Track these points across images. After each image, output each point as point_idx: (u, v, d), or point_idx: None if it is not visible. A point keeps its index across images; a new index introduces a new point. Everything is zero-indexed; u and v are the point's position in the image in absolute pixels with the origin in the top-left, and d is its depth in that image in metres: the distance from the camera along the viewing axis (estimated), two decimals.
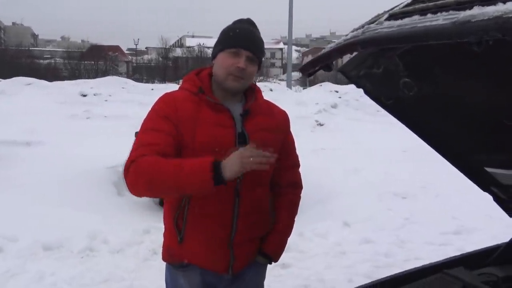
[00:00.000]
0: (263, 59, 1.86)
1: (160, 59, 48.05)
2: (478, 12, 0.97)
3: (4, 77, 13.87)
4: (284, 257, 2.08)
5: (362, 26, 1.36)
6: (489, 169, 2.01)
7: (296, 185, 2.01)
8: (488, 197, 2.26)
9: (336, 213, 5.32)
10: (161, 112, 1.71)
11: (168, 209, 1.84)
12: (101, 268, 3.87)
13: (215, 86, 1.80)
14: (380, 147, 8.46)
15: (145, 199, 5.05)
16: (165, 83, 24.89)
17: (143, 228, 4.58)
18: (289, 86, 19.06)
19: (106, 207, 5.06)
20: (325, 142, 9.25)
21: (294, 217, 2.00)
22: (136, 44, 59.65)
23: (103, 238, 4.38)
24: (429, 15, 1.11)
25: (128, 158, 1.64)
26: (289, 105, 9.64)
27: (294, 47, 43.37)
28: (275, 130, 1.86)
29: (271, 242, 1.92)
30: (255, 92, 1.86)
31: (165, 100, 1.75)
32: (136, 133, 1.78)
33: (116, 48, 52.34)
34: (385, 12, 1.36)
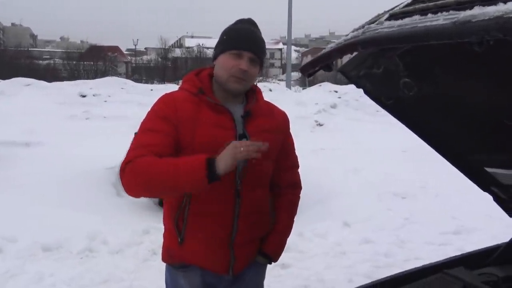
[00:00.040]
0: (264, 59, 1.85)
1: (159, 59, 48.03)
2: (478, 12, 0.96)
3: (3, 78, 13.86)
4: (284, 257, 2.08)
5: (363, 26, 1.36)
6: (489, 169, 2.01)
7: (295, 186, 2.02)
8: (487, 197, 2.26)
9: (336, 213, 5.32)
10: (160, 112, 1.71)
11: (167, 209, 1.83)
12: (100, 269, 3.87)
13: (216, 87, 1.79)
14: (380, 147, 8.45)
15: (144, 200, 5.05)
16: (164, 83, 24.89)
17: (142, 228, 4.58)
18: (288, 86, 19.08)
19: (105, 208, 5.06)
20: (325, 142, 9.25)
21: (294, 217, 2.01)
22: (135, 45, 59.63)
23: (102, 238, 4.38)
24: (429, 15, 1.10)
25: (125, 158, 1.64)
26: (289, 105, 9.65)
27: (293, 47, 43.41)
28: (275, 131, 1.86)
29: (271, 242, 1.92)
30: (256, 93, 1.85)
31: (164, 100, 1.75)
32: (136, 133, 1.77)
33: (115, 49, 52.29)
34: (385, 12, 1.36)
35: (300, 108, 11.91)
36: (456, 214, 5.30)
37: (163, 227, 1.90)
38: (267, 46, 1.88)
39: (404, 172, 6.86)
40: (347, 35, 1.42)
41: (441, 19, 1.06)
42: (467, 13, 0.99)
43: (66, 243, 4.25)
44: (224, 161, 1.51)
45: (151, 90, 13.97)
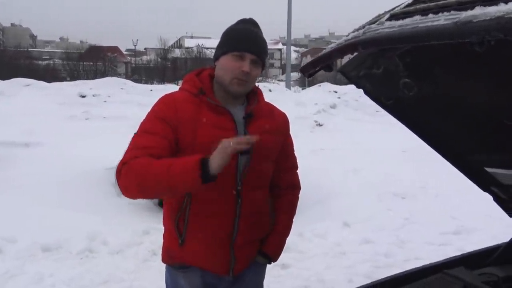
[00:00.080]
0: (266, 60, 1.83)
1: (159, 60, 47.99)
2: (479, 12, 0.96)
3: (3, 78, 13.82)
4: (284, 257, 2.09)
5: (363, 27, 1.36)
6: (489, 169, 2.01)
7: (295, 187, 2.03)
8: (487, 197, 2.26)
9: (335, 213, 5.32)
10: (160, 113, 1.70)
11: (168, 210, 1.83)
12: (100, 269, 3.87)
13: (217, 88, 1.78)
14: (380, 147, 8.45)
15: (144, 200, 5.04)
16: (164, 84, 24.87)
17: (142, 229, 4.57)
18: (288, 86, 19.07)
19: (105, 208, 5.05)
20: (324, 143, 9.24)
21: (293, 218, 2.02)
22: (135, 45, 59.59)
23: (102, 239, 4.38)
24: (430, 15, 1.10)
25: (121, 160, 1.64)
26: (288, 106, 9.65)
27: (293, 48, 43.38)
28: (276, 132, 1.86)
29: (271, 242, 1.93)
30: (257, 94, 1.85)
31: (165, 101, 1.74)
32: (134, 134, 1.77)
33: (115, 49, 52.30)
34: (386, 13, 1.36)
35: (300, 108, 11.90)
36: (456, 214, 5.30)
37: (163, 227, 1.90)
38: None
39: (404, 172, 6.86)
40: (347, 35, 1.42)
41: (442, 19, 1.05)
42: (468, 13, 0.99)
43: (66, 244, 4.25)
44: (216, 159, 1.49)
45: (151, 90, 13.96)
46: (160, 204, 4.74)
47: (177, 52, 51.33)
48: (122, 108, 11.30)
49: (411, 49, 1.46)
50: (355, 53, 1.64)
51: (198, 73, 1.84)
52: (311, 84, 23.72)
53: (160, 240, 1.95)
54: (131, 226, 4.62)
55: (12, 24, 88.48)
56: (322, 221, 5.04)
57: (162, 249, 1.90)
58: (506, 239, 2.29)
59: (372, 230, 4.89)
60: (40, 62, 45.21)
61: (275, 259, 1.96)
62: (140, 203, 5.11)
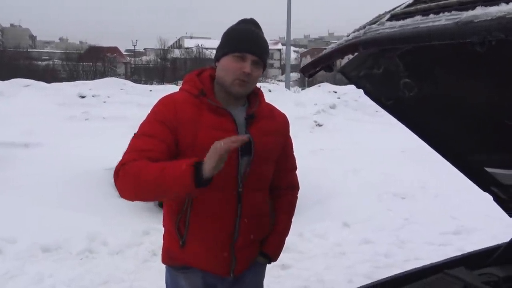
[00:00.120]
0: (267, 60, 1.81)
1: (159, 60, 47.94)
2: (481, 12, 0.96)
3: (3, 79, 13.79)
4: (284, 257, 2.09)
5: (364, 27, 1.35)
6: (489, 169, 2.01)
7: (294, 187, 2.04)
8: (487, 197, 2.26)
9: (335, 213, 5.32)
10: (159, 115, 1.69)
11: (168, 212, 1.83)
12: (100, 270, 3.87)
13: (218, 89, 1.77)
14: (379, 148, 8.45)
15: None
16: (163, 84, 24.84)
17: (142, 229, 4.57)
18: (287, 86, 19.07)
19: (105, 209, 5.05)
20: (324, 143, 9.24)
21: (292, 217, 2.03)
22: (134, 45, 59.64)
23: (102, 239, 4.38)
24: (431, 16, 1.10)
25: (119, 162, 1.63)
26: (288, 106, 9.65)
27: (292, 48, 43.41)
28: (276, 133, 1.86)
29: (271, 243, 1.94)
30: (258, 96, 1.84)
31: (164, 102, 1.73)
32: (133, 136, 1.77)
33: (114, 50, 52.28)
34: (386, 13, 1.36)
35: (299, 108, 11.89)
36: (456, 214, 5.31)
37: (163, 228, 1.90)
38: None
39: (404, 173, 6.86)
40: (348, 36, 1.41)
41: (443, 19, 1.05)
42: (469, 13, 0.99)
43: (65, 244, 4.25)
44: (208, 163, 1.45)
45: (150, 91, 13.94)
46: (160, 205, 4.74)
47: (176, 53, 51.29)
48: (122, 109, 11.29)
49: (411, 49, 1.46)
50: (356, 53, 1.64)
51: (199, 73, 1.83)
52: (310, 84, 23.72)
53: (160, 241, 1.95)
54: (131, 226, 4.62)
55: (12, 25, 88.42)
56: (322, 221, 5.04)
57: (162, 250, 1.90)
58: (506, 239, 2.29)
59: (372, 230, 4.90)
60: (39, 62, 45.14)
61: (275, 259, 1.97)
62: (139, 203, 5.10)
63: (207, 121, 1.69)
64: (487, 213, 4.79)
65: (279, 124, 1.90)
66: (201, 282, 1.82)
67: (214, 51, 1.88)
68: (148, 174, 1.53)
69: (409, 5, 1.29)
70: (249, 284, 1.93)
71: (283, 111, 1.98)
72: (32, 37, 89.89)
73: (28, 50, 55.62)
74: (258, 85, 1.89)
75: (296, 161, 2.05)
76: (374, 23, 1.33)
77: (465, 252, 2.39)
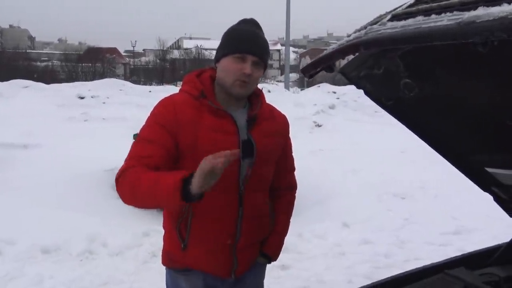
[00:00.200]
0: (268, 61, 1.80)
1: (158, 61, 47.92)
2: (483, 12, 0.96)
3: (1, 80, 13.76)
4: (283, 258, 2.09)
5: (365, 27, 1.35)
6: (489, 169, 2.01)
7: (292, 187, 2.04)
8: (487, 197, 2.26)
9: (335, 214, 5.32)
10: (159, 117, 1.68)
11: (168, 214, 1.83)
12: (100, 271, 3.86)
13: (218, 90, 1.76)
14: (379, 148, 8.45)
15: None
16: (162, 85, 24.82)
17: (142, 230, 4.56)
18: (287, 87, 19.08)
19: (104, 210, 5.04)
20: (323, 143, 9.24)
21: (291, 217, 2.04)
22: (133, 46, 59.57)
23: (102, 240, 4.37)
24: (433, 16, 1.10)
25: (121, 167, 1.64)
26: (287, 106, 9.65)
27: (291, 48, 43.42)
28: (277, 134, 1.86)
29: (271, 243, 1.94)
30: (260, 97, 1.83)
31: (164, 104, 1.72)
32: (135, 135, 1.77)
33: (114, 50, 52.21)
34: (387, 13, 1.35)
35: (299, 109, 11.90)
36: (456, 215, 5.31)
37: (163, 229, 1.90)
38: None
39: (403, 173, 6.87)
40: (349, 36, 1.41)
41: (445, 19, 1.05)
42: (471, 13, 0.99)
43: (65, 245, 4.24)
44: (195, 179, 1.39)
45: (150, 91, 13.94)
46: None
47: (175, 53, 51.28)
48: (121, 109, 11.28)
49: (412, 50, 1.46)
50: (357, 54, 1.63)
51: (199, 74, 1.82)
52: (310, 85, 23.72)
53: (160, 242, 1.94)
54: (131, 227, 4.62)
55: (11, 26, 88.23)
56: (321, 221, 5.04)
57: (162, 252, 1.89)
58: (507, 239, 2.29)
59: (371, 231, 4.89)
60: (38, 63, 45.12)
61: (274, 259, 1.98)
62: None
63: (207, 123, 1.68)
64: (487, 213, 4.79)
65: (279, 125, 1.89)
66: (202, 284, 1.81)
67: (213, 52, 1.87)
68: (142, 185, 1.53)
69: (410, 6, 1.29)
70: (250, 285, 1.93)
71: (282, 112, 1.98)
72: (31, 38, 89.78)
73: (27, 51, 55.49)
74: (259, 86, 1.88)
75: (296, 162, 2.06)
76: (375, 23, 1.33)
77: (465, 252, 2.39)
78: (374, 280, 2.12)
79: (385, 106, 1.96)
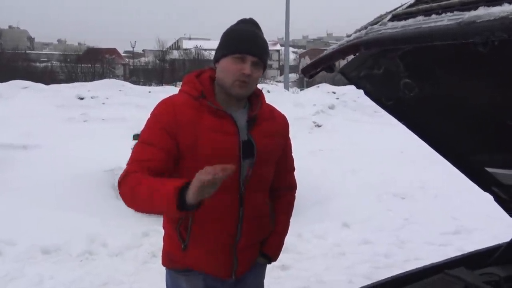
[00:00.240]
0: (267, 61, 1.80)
1: (157, 61, 47.91)
2: (483, 12, 0.96)
3: (1, 81, 13.75)
4: (283, 258, 2.09)
5: (365, 27, 1.35)
6: (490, 169, 2.01)
7: (292, 187, 2.05)
8: (487, 197, 2.25)
9: (334, 214, 5.32)
10: (159, 119, 1.68)
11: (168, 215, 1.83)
12: (100, 272, 3.86)
13: (218, 90, 1.75)
14: (378, 148, 8.46)
15: None
16: (162, 85, 24.81)
17: (142, 231, 4.56)
18: (286, 87, 19.08)
19: (104, 210, 5.04)
20: (323, 143, 9.25)
21: (291, 217, 2.04)
22: (133, 47, 59.48)
23: (102, 241, 4.37)
24: (433, 16, 1.10)
25: (123, 172, 1.64)
26: (287, 107, 9.64)
27: (291, 49, 43.40)
28: (277, 134, 1.86)
29: (271, 243, 1.94)
30: (260, 97, 1.83)
31: (164, 105, 1.72)
32: (134, 136, 1.77)
33: (113, 51, 52.20)
34: (387, 13, 1.35)
35: (298, 109, 11.90)
36: (456, 214, 5.31)
37: (162, 230, 1.89)
38: None
39: (403, 173, 6.87)
40: (349, 36, 1.41)
41: (445, 19, 1.05)
42: (472, 13, 0.99)
43: (65, 246, 4.24)
44: (191, 190, 1.39)
45: (149, 92, 13.94)
46: None
47: (175, 54, 51.26)
48: (121, 110, 11.28)
49: (412, 50, 1.46)
50: (357, 54, 1.63)
51: (198, 74, 1.81)
52: (309, 85, 23.72)
53: (159, 242, 1.94)
54: (131, 228, 4.61)
55: (10, 27, 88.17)
56: (321, 222, 5.04)
57: (162, 253, 1.89)
58: (507, 239, 2.29)
59: (371, 231, 4.89)
60: (38, 64, 45.12)
61: (275, 259, 1.98)
62: None
63: (207, 123, 1.68)
64: (487, 213, 4.79)
65: (279, 125, 1.89)
66: (202, 284, 1.81)
67: (212, 52, 1.86)
68: (142, 192, 1.53)
69: (410, 6, 1.28)
70: (251, 285, 1.93)
71: (282, 112, 1.98)
72: (30, 39, 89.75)
73: (26, 52, 55.51)
74: (258, 86, 1.88)
75: (295, 162, 2.06)
76: (376, 23, 1.33)
77: (465, 252, 2.39)
78: (374, 280, 2.12)
79: (385, 106, 1.96)
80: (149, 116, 1.74)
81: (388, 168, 7.12)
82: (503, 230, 3.37)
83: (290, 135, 1.99)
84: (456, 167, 2.15)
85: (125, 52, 65.75)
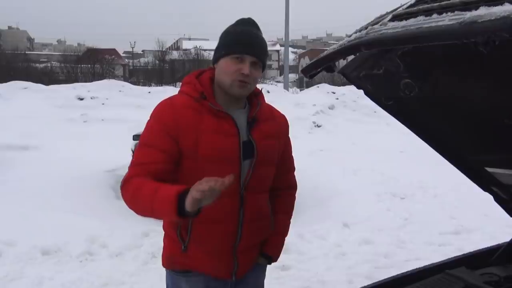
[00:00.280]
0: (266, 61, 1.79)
1: (157, 62, 47.90)
2: (484, 12, 0.96)
3: (1, 81, 13.79)
4: (284, 258, 2.09)
5: (366, 27, 1.35)
6: (489, 169, 2.01)
7: (292, 187, 2.04)
8: (487, 197, 2.25)
9: (335, 214, 5.32)
10: (159, 120, 1.68)
11: None
12: (100, 272, 3.86)
13: (218, 91, 1.75)
14: (378, 148, 8.47)
15: None
16: (162, 86, 24.81)
17: (142, 231, 4.56)
18: (286, 87, 19.09)
19: (104, 211, 5.04)
20: (323, 143, 9.26)
21: (291, 217, 2.04)
22: (132, 47, 59.43)
23: (102, 242, 4.36)
24: (434, 16, 1.10)
25: (125, 175, 1.65)
26: (287, 107, 9.64)
27: (290, 49, 43.43)
28: (277, 135, 1.85)
29: (272, 243, 1.94)
30: (259, 97, 1.83)
31: (163, 107, 1.71)
32: (134, 136, 1.77)
33: (113, 51, 52.08)
34: (388, 13, 1.35)
35: (298, 109, 11.92)
36: (455, 214, 5.31)
37: (162, 230, 1.89)
38: None
39: (403, 173, 6.88)
40: (350, 36, 1.41)
41: (446, 19, 1.05)
42: (473, 13, 0.99)
43: (65, 247, 4.23)
44: (189, 198, 1.39)
45: (149, 92, 13.96)
46: None
47: (175, 54, 51.23)
48: (120, 111, 11.29)
49: (412, 50, 1.45)
50: (357, 54, 1.63)
51: (198, 75, 1.80)
52: (309, 85, 23.72)
53: (160, 243, 1.94)
54: (131, 228, 4.61)
55: (10, 27, 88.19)
56: (321, 222, 5.04)
57: (163, 254, 1.88)
58: (507, 239, 2.29)
59: (371, 231, 4.89)
60: (37, 65, 45.03)
61: (275, 259, 1.97)
62: None
63: (208, 125, 1.67)
64: (487, 213, 4.80)
65: (279, 125, 1.89)
66: (202, 285, 1.81)
67: (212, 53, 1.86)
68: (142, 197, 1.54)
69: (411, 5, 1.28)
70: (251, 285, 1.93)
71: (282, 113, 1.98)
72: (30, 40, 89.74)
73: (26, 52, 55.41)
74: (259, 86, 1.88)
75: (296, 162, 2.05)
76: (376, 23, 1.32)
77: (465, 252, 2.39)
78: (375, 280, 2.12)
79: (385, 106, 1.95)
80: (149, 118, 1.73)
81: (388, 168, 7.13)
82: (503, 230, 3.38)
83: (290, 135, 1.98)
84: (456, 167, 2.14)
85: (125, 52, 65.74)
